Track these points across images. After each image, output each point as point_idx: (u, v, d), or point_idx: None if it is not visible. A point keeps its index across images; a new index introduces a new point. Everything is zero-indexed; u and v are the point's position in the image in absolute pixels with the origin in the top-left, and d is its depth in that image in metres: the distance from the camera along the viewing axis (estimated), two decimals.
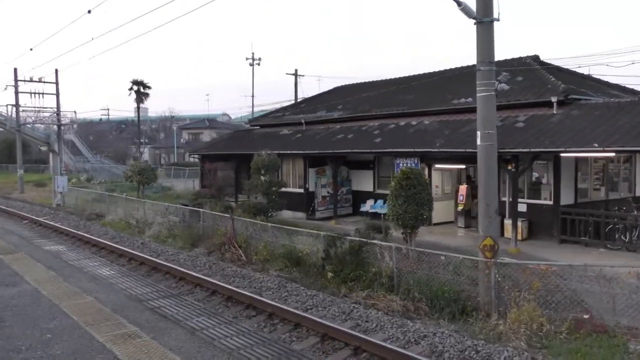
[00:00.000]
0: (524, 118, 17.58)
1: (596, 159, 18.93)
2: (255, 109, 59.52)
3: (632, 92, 20.80)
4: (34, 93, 39.11)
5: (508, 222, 18.53)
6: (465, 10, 9.84)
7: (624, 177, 21.00)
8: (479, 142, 10.34)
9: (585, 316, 9.18)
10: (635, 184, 20.63)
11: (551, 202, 17.73)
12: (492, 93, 10.25)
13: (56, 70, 37.81)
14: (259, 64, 57.85)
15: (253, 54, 57.65)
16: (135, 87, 53.56)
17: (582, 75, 21.44)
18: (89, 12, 14.22)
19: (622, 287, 9.14)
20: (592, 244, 16.41)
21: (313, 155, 23.06)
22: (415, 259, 12.27)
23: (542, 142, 15.28)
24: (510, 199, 18.63)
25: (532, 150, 15.12)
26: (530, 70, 20.42)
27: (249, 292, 11.13)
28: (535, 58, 21.51)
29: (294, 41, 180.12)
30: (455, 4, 9.79)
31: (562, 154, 15.49)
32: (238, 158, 26.85)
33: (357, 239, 12.82)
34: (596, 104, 16.84)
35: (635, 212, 17.49)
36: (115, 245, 16.65)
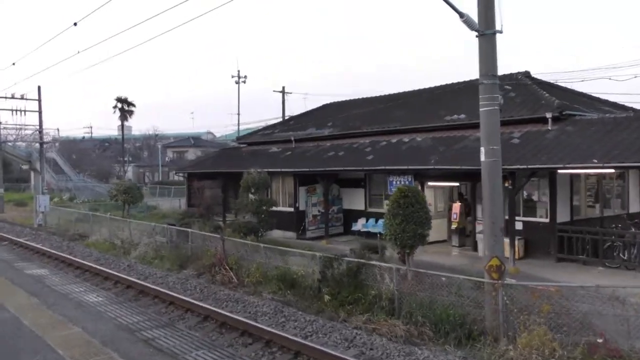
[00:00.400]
0: (518, 134, 17.36)
1: (589, 176, 18.76)
2: (241, 127, 59.12)
3: (624, 108, 20.75)
4: (16, 110, 38.19)
5: (504, 241, 18.21)
6: (468, 22, 9.55)
7: (617, 193, 20.85)
8: (483, 158, 9.98)
9: (599, 340, 8.76)
10: (629, 200, 20.46)
11: (547, 220, 17.45)
12: (496, 107, 9.93)
13: (39, 87, 36.99)
14: (244, 82, 57.43)
15: (239, 71, 57.33)
16: (119, 105, 52.86)
17: (573, 92, 21.39)
18: (75, 24, 13.74)
19: (637, 309, 8.77)
20: (590, 262, 16.12)
21: (304, 173, 22.63)
22: (416, 281, 11.85)
23: (539, 159, 15.02)
24: (507, 217, 18.44)
25: (529, 166, 14.86)
26: (522, 86, 20.30)
27: (243, 317, 10.57)
28: (527, 74, 21.42)
29: (279, 58, 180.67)
30: (457, 16, 9.49)
31: (559, 171, 15.23)
32: (226, 176, 26.31)
33: (355, 260, 12.35)
34: (591, 120, 16.68)
35: (633, 229, 17.27)
36: (101, 268, 15.98)
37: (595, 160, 13.54)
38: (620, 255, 15.88)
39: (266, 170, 20.98)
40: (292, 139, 26.17)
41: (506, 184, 16.27)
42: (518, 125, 17.93)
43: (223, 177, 26.53)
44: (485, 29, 9.72)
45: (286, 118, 33.36)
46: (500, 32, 9.72)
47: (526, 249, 17.53)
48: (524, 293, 9.77)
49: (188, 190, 30.46)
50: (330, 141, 24.46)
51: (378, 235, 18.03)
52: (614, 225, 17.47)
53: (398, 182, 18.99)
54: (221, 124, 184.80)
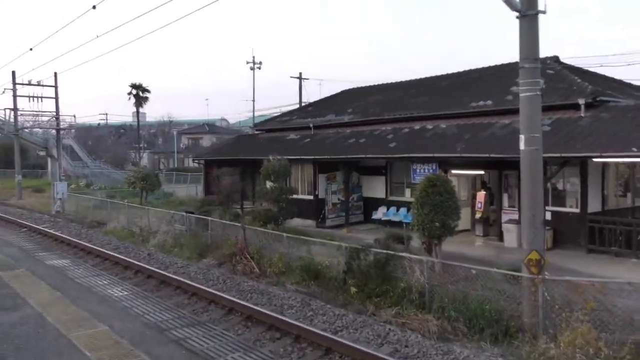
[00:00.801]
0: (549, 121, 16.69)
1: (619, 165, 18.12)
2: (256, 114, 58.68)
3: None
4: (33, 97, 38.13)
5: None
6: (509, 1, 8.98)
7: None
8: (522, 146, 9.45)
9: None
10: None
11: (578, 210, 16.89)
12: (538, 93, 9.40)
13: (55, 74, 36.89)
14: (259, 68, 56.77)
15: (254, 57, 56.66)
16: (134, 91, 52.51)
17: (604, 77, 20.62)
18: (94, 7, 13.33)
19: None
20: (622, 254, 15.55)
21: (323, 161, 22.17)
22: (445, 273, 11.43)
23: (573, 146, 14.41)
24: None
25: (563, 155, 14.25)
26: (552, 71, 19.57)
27: (269, 310, 10.21)
28: (556, 59, 20.67)
29: (294, 44, 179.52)
30: None
31: (594, 159, 14.61)
32: (244, 163, 25.92)
33: (383, 251, 11.91)
34: (627, 106, 15.99)
35: None
36: (121, 257, 15.73)
37: (635, 149, 12.91)
38: None
39: (285, 157, 20.57)
40: (311, 125, 25.66)
41: None
42: (548, 111, 17.16)
43: (241, 164, 26.12)
44: (527, 9, 9.16)
45: (304, 104, 32.81)
46: (544, 12, 9.16)
47: (555, 239, 16.98)
48: (565, 288, 9.26)
49: (205, 178, 30.13)
50: (351, 128, 23.92)
51: (404, 225, 17.59)
52: None
53: (422, 170, 18.51)
54: (235, 111, 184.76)
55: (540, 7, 9.18)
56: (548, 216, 17.04)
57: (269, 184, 19.88)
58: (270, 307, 10.53)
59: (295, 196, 20.29)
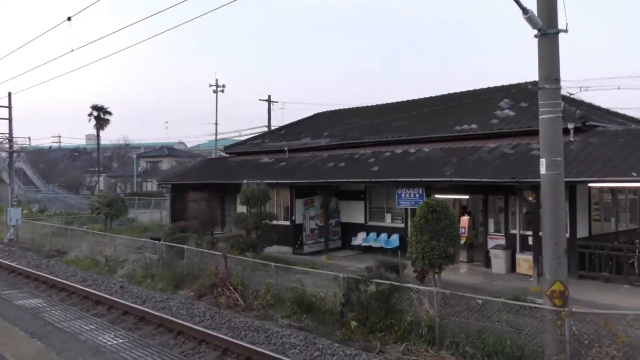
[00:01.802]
0: (538, 146, 16.40)
1: (603, 190, 18.08)
2: (217, 137, 57.47)
3: (633, 120, 20.15)
4: None
5: (520, 257, 17.33)
6: (532, 19, 8.55)
7: (622, 207, 20.22)
8: (543, 171, 8.95)
9: None
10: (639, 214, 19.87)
11: (567, 235, 16.53)
12: (559, 115, 8.94)
13: (9, 94, 34.70)
14: (222, 91, 55.93)
15: (217, 80, 55.84)
16: (94, 113, 50.50)
17: (585, 103, 20.72)
18: (69, 19, 12.21)
19: None
20: (613, 279, 15.35)
21: (301, 185, 21.38)
22: (449, 304, 10.72)
23: (569, 172, 14.05)
24: (522, 232, 17.56)
25: (566, 180, 13.89)
26: (532, 96, 19.48)
27: (270, 351, 9.22)
28: (536, 83, 20.57)
29: (256, 68, 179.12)
30: (520, 11, 8.47)
31: (592, 184, 14.37)
32: (214, 188, 24.86)
33: (387, 282, 11.14)
34: (616, 132, 15.94)
35: None
36: (90, 290, 14.35)
37: (635, 174, 12.69)
38: None
39: (261, 182, 19.63)
40: (286, 149, 24.88)
41: (530, 198, 15.41)
42: (535, 136, 16.87)
43: (211, 188, 25.06)
44: (548, 28, 8.74)
45: (275, 128, 32.01)
46: (566, 31, 8.75)
47: (544, 265, 16.60)
48: (590, 321, 8.68)
49: (172, 203, 28.81)
50: (328, 151, 23.27)
51: (398, 252, 16.96)
52: (637, 241, 16.75)
53: (407, 195, 17.96)
54: (192, 134, 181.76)
55: (561, 26, 8.77)
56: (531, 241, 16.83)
57: (240, 209, 18.85)
58: (270, 347, 9.53)
59: (275, 222, 19.32)
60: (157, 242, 18.06)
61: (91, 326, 11.28)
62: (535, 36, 8.95)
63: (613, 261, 15.60)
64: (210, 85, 55.47)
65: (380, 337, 10.53)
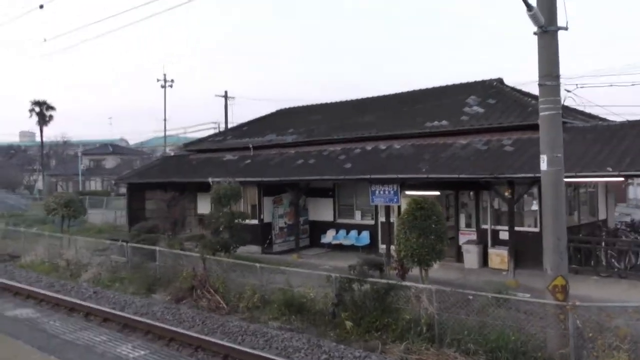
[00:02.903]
0: (510, 142, 16.85)
1: (568, 185, 18.69)
2: (161, 134, 56.03)
3: (595, 117, 20.83)
4: None
5: (493, 252, 17.70)
6: (535, 16, 8.62)
7: (582, 201, 21.01)
8: (544, 167, 9.08)
9: None
10: (599, 208, 20.69)
11: (537, 229, 17.06)
12: (559, 111, 9.08)
13: None
14: (171, 86, 54.47)
15: (165, 75, 54.14)
16: (36, 108, 47.87)
17: None
18: (41, 7, 11.34)
19: None
20: (582, 271, 15.88)
21: (270, 183, 21.03)
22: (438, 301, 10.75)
23: None
24: (493, 227, 17.94)
25: (537, 175, 14.22)
26: (499, 92, 19.97)
27: (274, 355, 8.93)
28: (500, 81, 21.17)
29: (205, 63, 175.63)
30: (524, 7, 8.52)
31: (570, 179, 14.77)
32: (176, 187, 24.12)
33: (383, 280, 11.04)
34: (585, 128, 16.50)
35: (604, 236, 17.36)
36: (61, 297, 13.53)
37: (610, 169, 13.15)
38: (616, 263, 15.75)
39: (234, 179, 19.16)
40: (251, 146, 24.40)
41: (506, 194, 15.72)
42: (505, 132, 17.45)
43: (173, 187, 24.29)
44: (549, 25, 8.85)
45: (236, 125, 31.36)
46: (566, 28, 8.89)
47: (516, 259, 17.02)
48: (599, 315, 8.89)
49: (129, 202, 27.77)
50: (295, 148, 22.97)
51: (387, 250, 16.96)
52: (604, 233, 17.44)
53: (381, 192, 17.95)
54: (135, 131, 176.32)
55: (561, 24, 8.91)
56: (506, 236, 17.21)
57: (201, 209, 18.18)
58: (273, 351, 9.23)
59: (247, 221, 18.89)
60: (124, 244, 17.26)
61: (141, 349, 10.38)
62: (535, 33, 9.05)
63: (581, 253, 16.17)
64: (158, 80, 54.07)
65: (377, 337, 10.44)
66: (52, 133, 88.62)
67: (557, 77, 9.04)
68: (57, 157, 79.69)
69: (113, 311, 12.08)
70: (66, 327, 11.24)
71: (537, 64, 9.12)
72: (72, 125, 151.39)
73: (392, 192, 17.54)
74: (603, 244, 16.52)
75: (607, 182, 19.55)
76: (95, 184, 66.31)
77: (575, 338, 8.67)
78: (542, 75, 9.08)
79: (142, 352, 9.37)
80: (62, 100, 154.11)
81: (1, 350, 9.36)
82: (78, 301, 13.10)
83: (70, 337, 10.43)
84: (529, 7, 8.53)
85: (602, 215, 20.91)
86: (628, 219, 22.70)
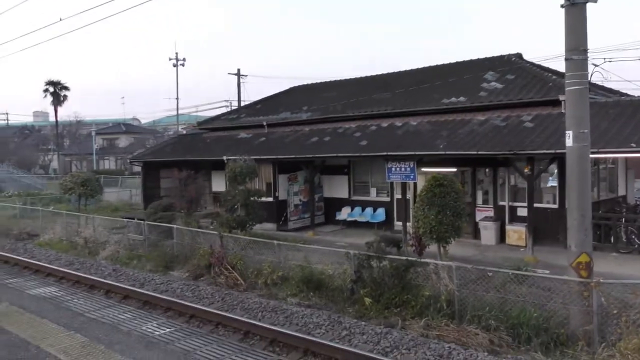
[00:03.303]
0: (529, 118, 16.58)
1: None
2: (172, 113, 56.10)
3: (617, 92, 20.45)
4: None
5: (510, 228, 17.58)
6: None
7: (602, 177, 20.73)
8: (570, 143, 8.90)
9: None
10: (618, 184, 20.40)
11: (556, 206, 16.90)
12: (586, 86, 8.86)
13: None
14: (183, 65, 54.36)
15: (177, 53, 54.12)
16: (50, 89, 47.96)
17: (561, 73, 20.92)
18: None
19: None
20: (601, 247, 15.65)
21: (285, 161, 20.96)
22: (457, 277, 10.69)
23: (564, 143, 14.24)
24: (510, 204, 17.77)
25: (558, 151, 14.00)
26: (519, 68, 19.60)
27: (295, 332, 8.95)
28: (519, 56, 20.77)
29: (216, 42, 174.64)
30: None
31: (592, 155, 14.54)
32: (190, 165, 24.12)
33: (402, 257, 10.99)
34: (606, 103, 16.17)
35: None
36: (82, 275, 13.66)
37: (634, 145, 12.90)
38: (637, 240, 15.58)
39: (250, 157, 19.13)
40: (265, 123, 24.30)
41: (525, 170, 15.52)
42: (525, 108, 17.18)
43: (187, 165, 24.30)
44: None
45: (249, 102, 31.27)
46: (595, 1, 8.61)
47: (534, 236, 16.89)
48: (623, 292, 8.80)
49: (144, 181, 27.91)
50: (309, 126, 22.85)
51: (404, 227, 16.89)
52: (624, 209, 17.22)
53: (397, 169, 17.81)
54: (147, 110, 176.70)
55: None
56: (524, 212, 17.04)
57: (216, 187, 18.17)
58: (294, 327, 9.26)
59: (263, 199, 18.89)
60: (141, 222, 17.36)
61: (165, 327, 10.31)
62: (562, 6, 8.78)
63: (601, 230, 15.99)
64: (170, 59, 53.93)
65: (396, 313, 10.43)
66: (65, 113, 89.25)
67: (585, 51, 8.78)
68: (71, 137, 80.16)
69: (133, 288, 12.18)
70: (89, 305, 11.33)
71: (563, 38, 8.87)
72: (85, 104, 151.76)
73: (408, 169, 17.40)
74: (623, 220, 16.34)
75: (627, 158, 19.21)
76: (109, 163, 66.66)
77: (599, 315, 8.59)
78: (568, 49, 8.82)
79: (167, 330, 9.42)
80: (74, 79, 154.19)
81: (31, 330, 9.42)
82: (98, 278, 13.22)
83: (95, 315, 10.49)
84: None
85: (621, 192, 20.61)
86: None
